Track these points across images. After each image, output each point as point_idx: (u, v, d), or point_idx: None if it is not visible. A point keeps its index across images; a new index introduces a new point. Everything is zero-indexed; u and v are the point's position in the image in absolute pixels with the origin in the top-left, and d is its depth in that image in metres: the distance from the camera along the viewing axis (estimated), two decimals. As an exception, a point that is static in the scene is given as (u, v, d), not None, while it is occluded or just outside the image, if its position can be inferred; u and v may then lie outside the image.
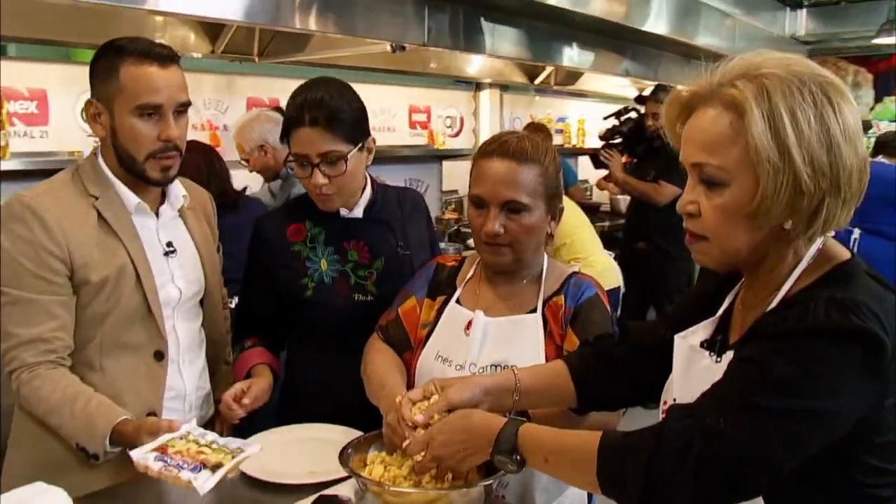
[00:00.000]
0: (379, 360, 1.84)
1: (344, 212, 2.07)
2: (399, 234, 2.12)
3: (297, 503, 1.55)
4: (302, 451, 1.81)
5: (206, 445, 1.53)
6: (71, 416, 1.66)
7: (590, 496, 1.84)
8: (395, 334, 1.90)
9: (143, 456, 1.47)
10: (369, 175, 2.14)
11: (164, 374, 1.86)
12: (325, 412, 1.96)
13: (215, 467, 1.48)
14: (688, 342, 1.34)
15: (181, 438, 1.55)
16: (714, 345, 1.31)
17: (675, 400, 1.31)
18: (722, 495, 1.14)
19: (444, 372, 1.76)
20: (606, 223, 5.94)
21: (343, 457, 1.55)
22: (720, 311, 1.35)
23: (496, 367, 1.72)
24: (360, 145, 1.95)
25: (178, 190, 1.93)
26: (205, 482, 1.44)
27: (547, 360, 1.71)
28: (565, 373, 1.56)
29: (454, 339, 1.79)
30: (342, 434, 1.81)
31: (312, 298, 2.05)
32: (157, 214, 1.89)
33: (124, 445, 1.60)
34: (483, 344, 1.75)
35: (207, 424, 1.98)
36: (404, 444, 1.46)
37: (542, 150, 1.73)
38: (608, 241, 4.89)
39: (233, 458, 1.51)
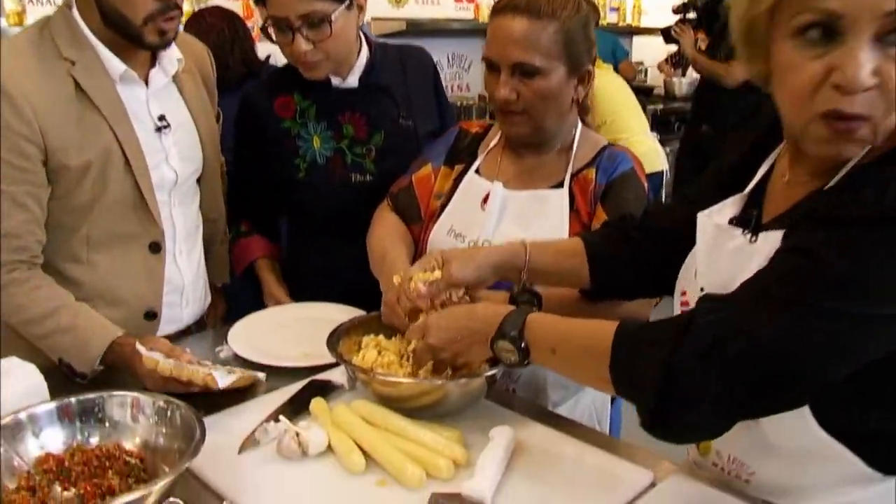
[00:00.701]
0: (383, 231, 1.66)
1: (336, 81, 1.83)
2: (401, 100, 1.88)
3: (288, 387, 1.42)
4: (297, 331, 1.67)
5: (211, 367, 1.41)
6: (56, 330, 1.45)
7: (613, 397, 1.67)
8: (405, 203, 1.70)
9: (152, 354, 1.35)
10: (364, 35, 1.87)
11: (161, 267, 1.64)
12: (330, 298, 1.81)
13: (229, 373, 1.37)
14: (713, 220, 1.11)
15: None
16: (747, 221, 1.08)
17: (702, 290, 1.10)
18: (753, 405, 0.95)
19: (456, 248, 1.58)
20: (660, 106, 5.63)
21: (332, 339, 1.39)
22: (751, 185, 1.12)
23: (513, 244, 1.53)
24: (346, 2, 1.68)
25: (173, 52, 1.60)
26: (223, 378, 1.33)
27: None
28: (581, 252, 1.37)
29: (469, 213, 1.60)
30: (342, 313, 1.65)
31: (305, 180, 1.87)
32: (146, 82, 1.58)
33: (118, 366, 1.44)
34: (500, 220, 1.55)
35: (201, 321, 1.85)
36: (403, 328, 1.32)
37: (561, 2, 1.47)
38: (660, 125, 4.57)
39: (242, 374, 1.41)
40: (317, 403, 1.31)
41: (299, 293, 1.89)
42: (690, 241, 1.22)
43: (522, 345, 1.13)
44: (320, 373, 1.47)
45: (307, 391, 1.39)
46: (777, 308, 0.91)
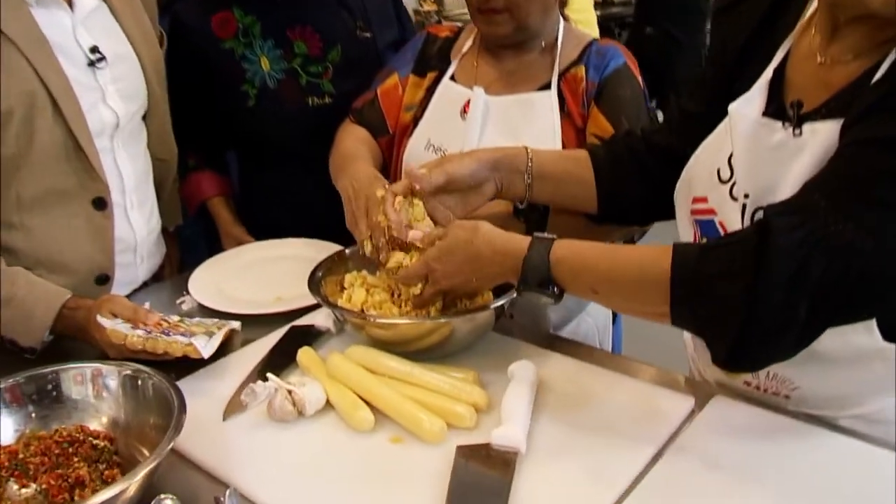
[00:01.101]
0: (348, 140, 1.48)
1: None
2: (356, 9, 1.68)
3: (266, 338, 1.25)
4: (266, 273, 1.49)
5: (179, 322, 1.22)
6: None
7: (615, 313, 1.56)
8: (371, 118, 1.52)
9: (116, 325, 1.14)
10: None
11: (109, 225, 1.38)
12: (294, 234, 1.62)
13: (207, 334, 1.17)
14: (747, 114, 0.97)
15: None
16: (784, 114, 0.95)
17: (746, 196, 0.97)
18: (839, 321, 0.84)
19: None
20: (598, 13, 5.41)
21: (313, 281, 1.23)
22: (770, 70, 0.99)
23: (501, 157, 1.37)
24: None
25: None
26: (206, 345, 1.14)
27: (565, 146, 1.36)
28: (586, 162, 1.22)
29: (448, 124, 1.42)
30: (312, 249, 1.49)
31: (256, 109, 1.66)
32: (70, 5, 1.31)
33: (72, 334, 1.24)
34: (484, 128, 1.39)
35: (159, 273, 1.63)
36: (387, 262, 1.15)
37: None
38: (603, 33, 4.38)
39: (218, 329, 1.21)
40: (305, 354, 1.15)
41: (257, 232, 1.69)
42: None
43: (553, 288, 0.99)
44: (299, 318, 1.31)
45: (289, 340, 1.23)
46: (874, 213, 0.78)
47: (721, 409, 1.03)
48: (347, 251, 1.33)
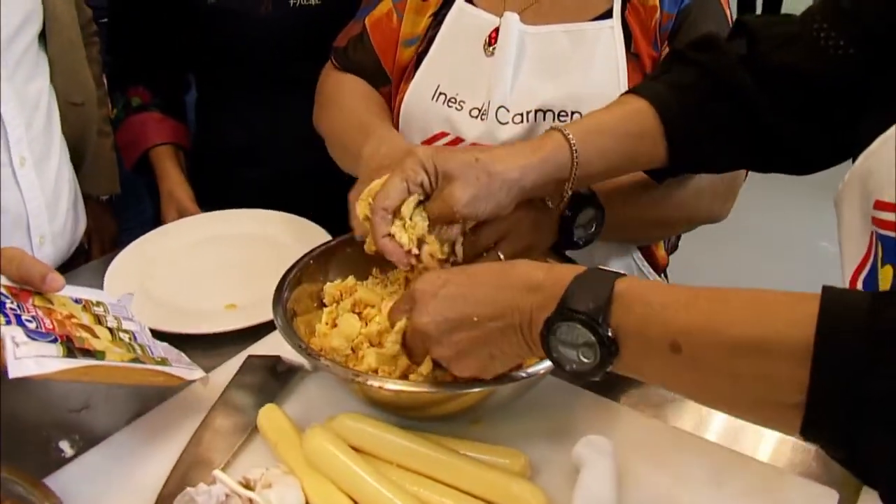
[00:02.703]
0: (345, 99, 1.08)
1: None
2: None
3: (210, 373, 0.87)
4: (215, 263, 1.10)
5: (109, 329, 0.80)
6: None
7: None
8: (360, 61, 1.11)
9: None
10: None
11: None
12: (257, 191, 1.24)
13: (76, 352, 0.72)
14: None
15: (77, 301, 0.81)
16: None
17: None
18: None
19: (450, 121, 1.02)
20: None
21: (280, 297, 0.85)
22: None
23: (543, 113, 0.98)
24: None
25: None
26: (24, 360, 0.67)
27: None
28: (651, 119, 0.82)
29: (466, 64, 1.03)
30: (287, 229, 1.12)
31: (217, 9, 1.25)
32: None
33: None
34: (518, 71, 0.99)
35: (77, 257, 1.24)
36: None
37: None
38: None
39: (136, 361, 0.77)
40: (269, 418, 0.78)
41: (211, 178, 1.31)
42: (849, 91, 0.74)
43: (608, 333, 0.58)
44: (259, 339, 0.94)
45: (244, 383, 0.86)
46: None
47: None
48: (333, 243, 0.94)
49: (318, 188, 1.31)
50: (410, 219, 0.74)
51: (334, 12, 1.21)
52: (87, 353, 0.72)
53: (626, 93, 0.84)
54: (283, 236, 1.13)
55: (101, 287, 1.02)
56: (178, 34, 1.31)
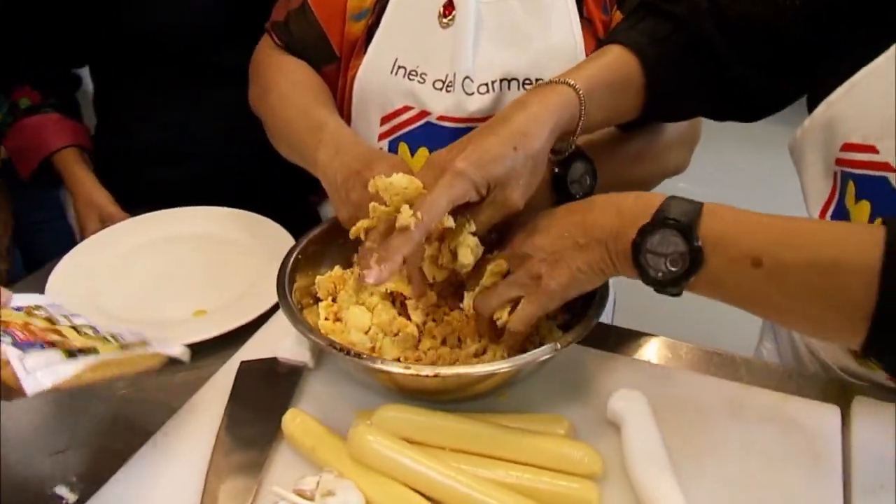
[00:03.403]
0: (288, 87, 1.01)
1: None
2: None
3: (201, 391, 0.82)
4: (164, 268, 1.02)
5: (71, 327, 0.71)
6: None
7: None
8: (303, 35, 1.05)
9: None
10: None
11: None
12: (176, 192, 1.16)
13: (74, 352, 0.65)
14: None
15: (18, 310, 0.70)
16: None
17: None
18: None
19: (413, 94, 1.00)
20: None
21: (283, 289, 0.80)
22: None
23: (508, 82, 0.98)
24: None
25: None
26: (36, 373, 0.60)
27: None
28: (635, 70, 0.83)
29: (422, 36, 1.00)
30: (224, 222, 1.07)
31: None
32: None
33: None
34: (478, 41, 0.98)
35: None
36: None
37: None
38: None
39: (126, 349, 0.71)
40: (296, 423, 0.74)
41: (133, 202, 1.19)
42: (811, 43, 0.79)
43: (698, 243, 0.63)
44: (241, 343, 0.88)
45: (246, 391, 0.81)
46: None
47: (876, 416, 0.79)
48: (317, 232, 0.90)
49: (244, 183, 1.25)
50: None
51: None
52: (82, 351, 0.66)
53: (609, 42, 0.85)
54: (233, 233, 1.07)
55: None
56: (74, 25, 1.18)
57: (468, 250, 0.72)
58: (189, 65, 1.21)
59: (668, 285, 0.66)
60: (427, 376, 0.69)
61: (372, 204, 0.72)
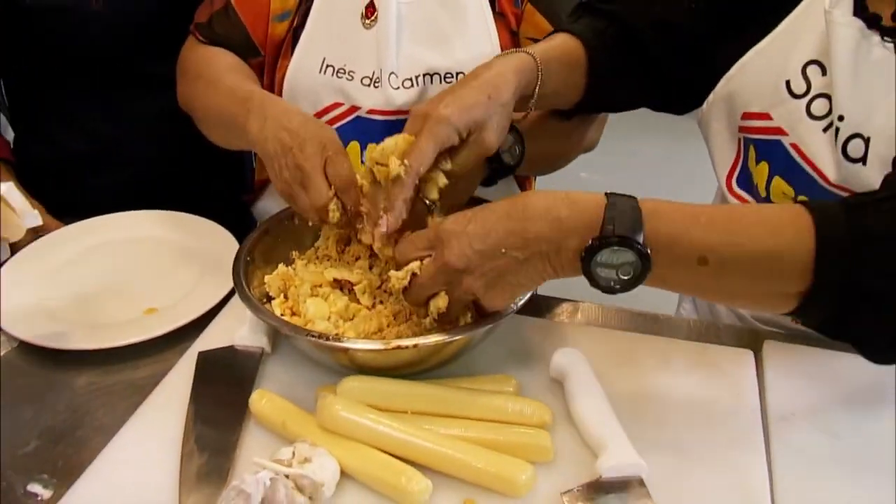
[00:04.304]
0: (216, 72, 1.03)
1: None
2: None
3: (162, 386, 0.84)
4: (109, 271, 1.03)
5: None
6: None
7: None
8: (227, 35, 1.08)
9: None
10: None
11: None
12: (106, 198, 1.16)
13: None
14: (845, 20, 0.78)
15: None
16: (875, 23, 0.78)
17: (841, 118, 0.78)
18: None
19: (343, 91, 1.05)
20: None
21: (240, 278, 0.84)
22: None
23: (430, 76, 1.04)
24: None
25: None
26: None
27: None
28: (581, 55, 0.91)
29: (347, 36, 1.05)
30: (160, 225, 1.10)
31: (38, 5, 1.13)
32: None
33: None
34: (400, 39, 1.04)
35: None
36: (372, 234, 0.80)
37: None
38: None
39: None
40: (264, 404, 0.78)
41: (62, 211, 1.19)
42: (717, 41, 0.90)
43: (647, 251, 0.66)
44: (196, 337, 0.91)
45: (209, 379, 0.84)
46: None
47: (784, 356, 0.89)
48: (259, 231, 0.93)
49: (174, 188, 1.27)
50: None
51: (171, 4, 1.16)
52: None
53: (556, 31, 0.93)
54: (170, 234, 1.09)
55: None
56: None
57: (435, 185, 0.79)
58: (110, 73, 1.22)
59: (620, 291, 0.69)
60: (407, 347, 0.74)
61: (333, 203, 0.79)
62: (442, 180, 0.79)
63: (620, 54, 0.93)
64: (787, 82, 0.82)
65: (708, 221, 0.67)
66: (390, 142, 0.76)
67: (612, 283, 0.68)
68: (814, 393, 0.83)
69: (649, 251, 0.66)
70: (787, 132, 0.83)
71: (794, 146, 0.83)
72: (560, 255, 0.69)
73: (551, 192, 0.71)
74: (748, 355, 0.89)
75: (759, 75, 0.85)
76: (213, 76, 1.02)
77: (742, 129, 0.89)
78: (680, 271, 0.68)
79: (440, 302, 0.74)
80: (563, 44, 0.91)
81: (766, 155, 0.86)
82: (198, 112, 1.05)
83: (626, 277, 0.68)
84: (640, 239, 0.66)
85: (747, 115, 0.87)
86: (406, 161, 0.74)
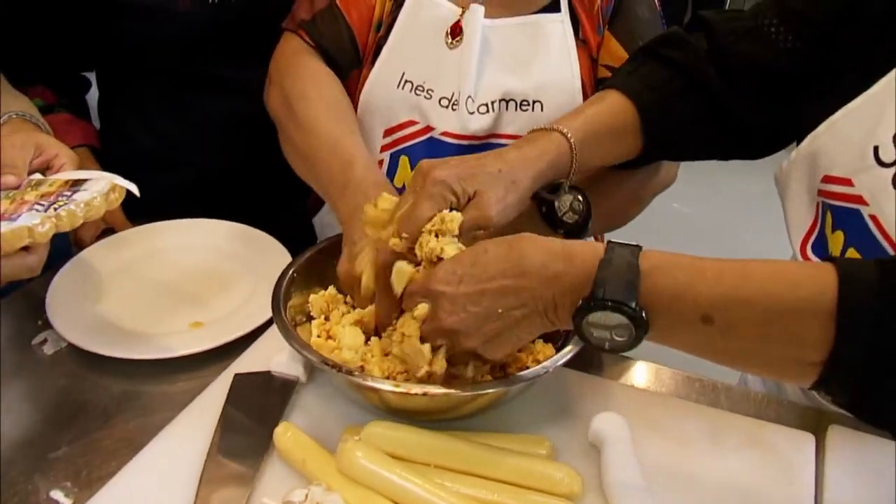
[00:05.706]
0: (314, 95, 0.99)
1: None
2: None
3: (193, 405, 0.84)
4: (162, 279, 1.04)
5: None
6: None
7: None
8: (333, 36, 1.05)
9: None
10: None
11: None
12: (172, 197, 1.17)
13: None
14: None
15: None
16: None
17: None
18: None
19: (420, 109, 1.03)
20: None
21: (281, 320, 0.82)
22: None
23: (506, 102, 1.01)
24: None
25: None
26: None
27: (583, 83, 1.02)
28: (631, 116, 0.88)
29: (430, 52, 1.03)
30: (224, 236, 1.09)
31: (129, 2, 1.15)
32: None
33: None
34: (483, 63, 1.01)
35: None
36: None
37: None
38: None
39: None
40: (288, 437, 0.76)
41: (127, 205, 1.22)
42: (804, 86, 0.83)
43: (637, 309, 0.61)
44: (236, 356, 0.91)
45: (239, 403, 0.83)
46: None
47: (849, 444, 0.81)
48: (313, 251, 0.92)
49: (237, 192, 1.27)
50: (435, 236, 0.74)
51: (255, 11, 1.16)
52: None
53: (606, 87, 0.89)
54: (233, 247, 1.09)
55: (41, 318, 0.95)
56: (84, 29, 1.20)
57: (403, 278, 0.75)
58: (185, 74, 1.23)
59: (619, 351, 0.65)
60: (416, 395, 0.71)
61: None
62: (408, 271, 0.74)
63: (685, 110, 0.88)
64: (876, 148, 0.75)
65: (716, 276, 0.61)
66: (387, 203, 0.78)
67: (607, 344, 0.64)
68: (879, 492, 0.76)
69: (644, 313, 0.61)
70: (867, 202, 0.76)
71: (874, 217, 0.75)
72: (557, 311, 0.66)
73: (548, 244, 0.68)
74: (809, 439, 0.82)
75: (847, 137, 0.78)
76: (314, 112, 0.97)
77: (821, 193, 0.82)
78: (682, 331, 0.63)
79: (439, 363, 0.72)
80: (610, 108, 0.87)
81: (842, 224, 0.79)
82: (288, 135, 1.00)
83: (621, 339, 0.63)
84: (633, 303, 0.61)
85: (828, 179, 0.80)
86: (402, 234, 0.74)
